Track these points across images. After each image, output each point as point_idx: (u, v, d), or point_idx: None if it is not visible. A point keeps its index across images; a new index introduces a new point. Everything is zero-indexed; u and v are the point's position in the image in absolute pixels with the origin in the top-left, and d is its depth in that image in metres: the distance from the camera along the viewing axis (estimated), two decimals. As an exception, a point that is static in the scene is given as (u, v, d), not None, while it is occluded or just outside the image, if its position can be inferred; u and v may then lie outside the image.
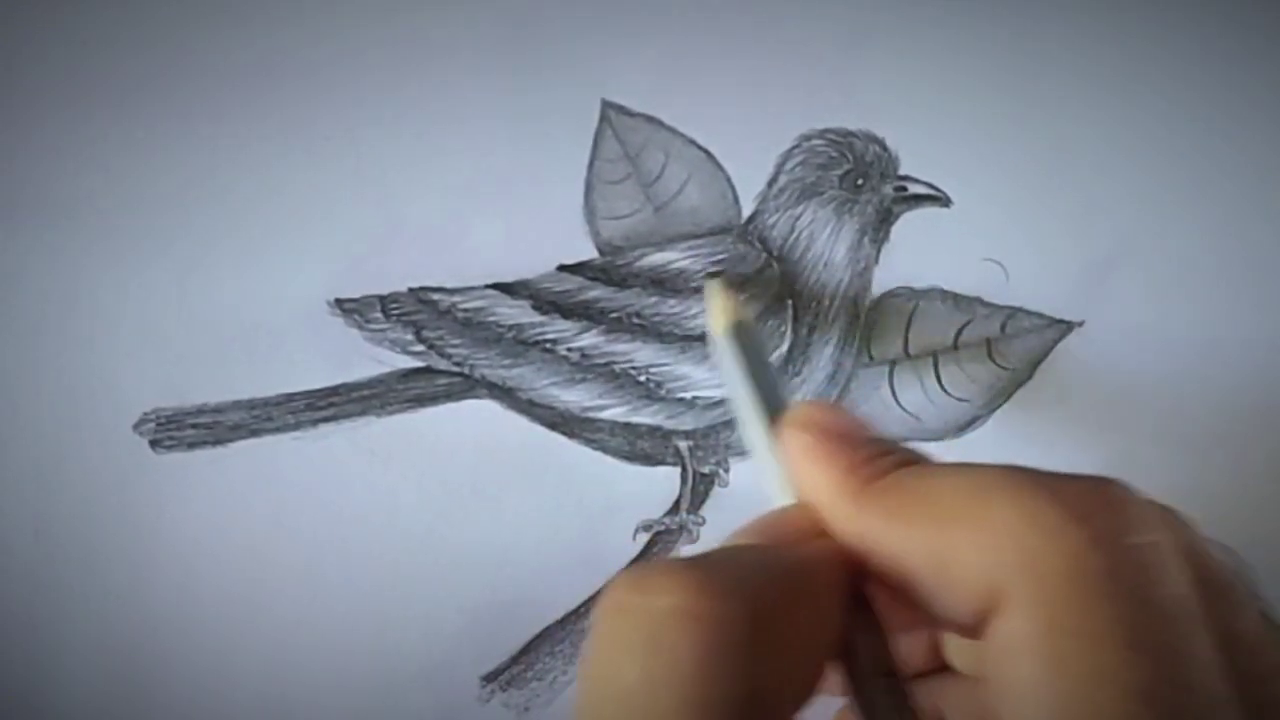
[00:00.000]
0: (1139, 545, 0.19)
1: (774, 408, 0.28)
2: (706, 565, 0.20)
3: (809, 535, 0.23)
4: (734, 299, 0.32)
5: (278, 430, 0.37)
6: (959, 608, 0.20)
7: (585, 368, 0.37)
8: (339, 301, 0.37)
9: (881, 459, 0.23)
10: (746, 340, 0.30)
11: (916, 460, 0.23)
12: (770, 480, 0.26)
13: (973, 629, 0.20)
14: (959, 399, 0.39)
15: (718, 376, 0.37)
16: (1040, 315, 0.38)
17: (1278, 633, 0.21)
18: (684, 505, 0.38)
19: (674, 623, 0.19)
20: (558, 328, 0.37)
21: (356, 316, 0.37)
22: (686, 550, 0.38)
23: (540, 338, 0.37)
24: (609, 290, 0.37)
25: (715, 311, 0.31)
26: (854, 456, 0.23)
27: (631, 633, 0.19)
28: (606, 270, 0.38)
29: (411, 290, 0.37)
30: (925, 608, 0.21)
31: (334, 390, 0.37)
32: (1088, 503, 0.19)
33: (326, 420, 0.37)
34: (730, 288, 0.33)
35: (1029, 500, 0.19)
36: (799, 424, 0.25)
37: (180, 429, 0.37)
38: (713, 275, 0.37)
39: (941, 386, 0.38)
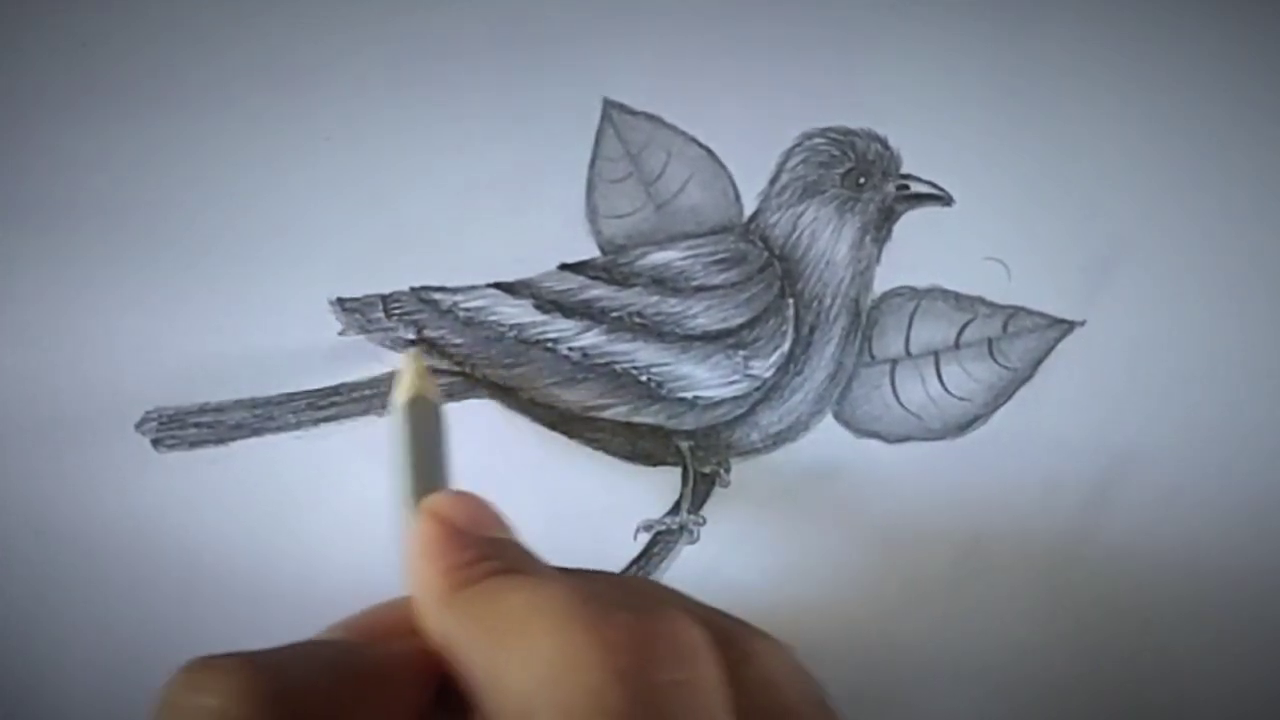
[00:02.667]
0: (667, 682, 0.19)
1: (423, 492, 0.27)
2: (264, 665, 0.20)
3: (402, 632, 0.23)
4: (425, 373, 0.31)
5: (279, 429, 0.37)
6: None
7: (586, 367, 0.37)
8: (340, 301, 0.37)
9: (480, 564, 0.22)
10: (422, 418, 0.29)
11: (516, 570, 0.23)
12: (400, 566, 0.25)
13: None
14: (960, 398, 0.39)
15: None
16: (1042, 314, 0.38)
17: None
18: (685, 505, 0.38)
19: None
20: (559, 327, 0.37)
21: (358, 316, 0.37)
22: (687, 551, 0.38)
23: (541, 337, 0.37)
24: (610, 289, 0.37)
25: (402, 381, 0.31)
26: (457, 557, 0.23)
27: None
28: (608, 269, 0.38)
29: (413, 289, 0.37)
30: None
31: (335, 390, 0.37)
32: (625, 635, 0.19)
33: (328, 419, 0.37)
34: (422, 361, 0.32)
35: (566, 628, 0.19)
36: (426, 513, 0.24)
37: (182, 428, 0.37)
38: (412, 343, 0.36)
39: (943, 386, 0.38)
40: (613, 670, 0.18)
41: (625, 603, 0.20)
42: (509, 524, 0.25)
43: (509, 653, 0.20)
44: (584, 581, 0.22)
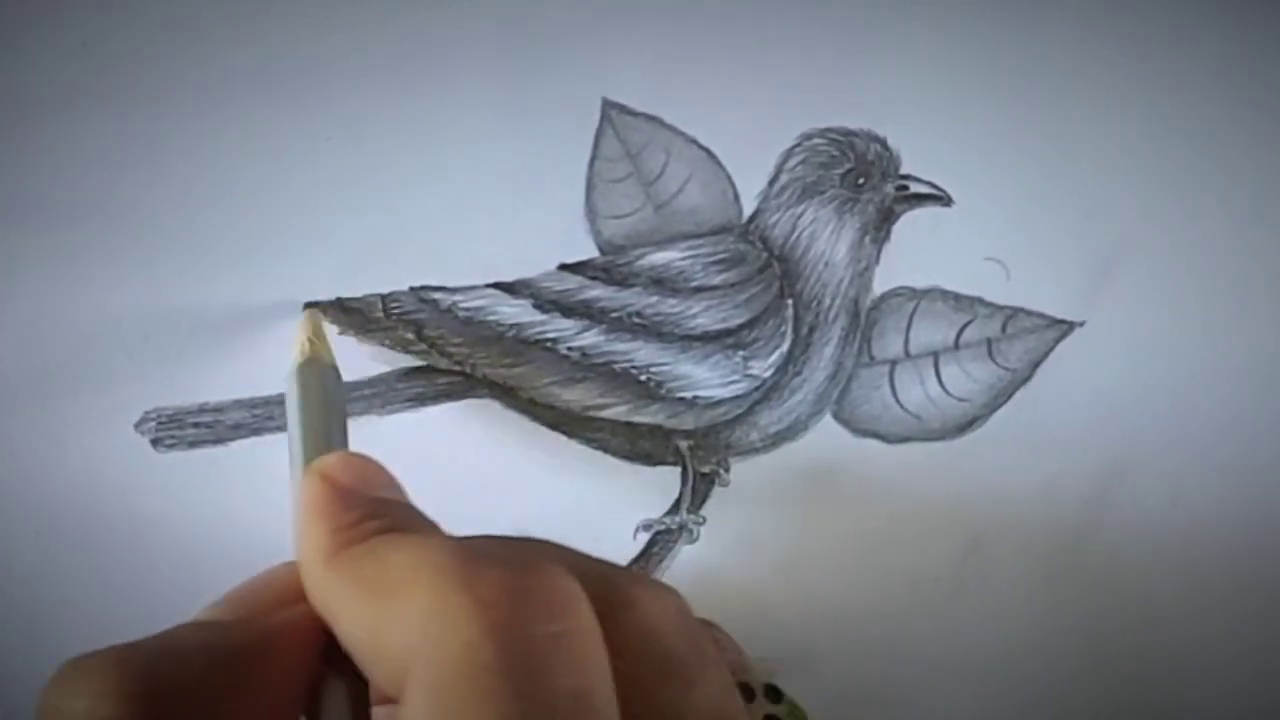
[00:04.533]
0: (541, 634, 0.18)
1: (315, 455, 0.26)
2: (132, 660, 0.20)
3: (286, 600, 0.22)
4: (321, 335, 0.31)
5: (279, 429, 0.37)
6: (384, 685, 0.20)
7: (586, 367, 0.37)
8: (340, 300, 0.37)
9: (366, 523, 0.22)
10: (316, 381, 0.29)
11: (401, 529, 0.22)
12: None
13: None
14: (959, 399, 0.39)
15: (718, 376, 0.37)
16: (1041, 315, 0.38)
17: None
18: (684, 505, 0.38)
19: None
20: (558, 327, 0.37)
21: (358, 315, 0.37)
22: (687, 551, 0.38)
23: (541, 337, 0.37)
24: (610, 289, 0.37)
25: (296, 342, 0.30)
26: (342, 517, 0.22)
27: None
28: (607, 269, 0.38)
29: (412, 289, 0.37)
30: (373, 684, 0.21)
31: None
32: (498, 589, 0.19)
33: (328, 419, 0.37)
34: (318, 323, 0.32)
35: (442, 584, 0.19)
36: (313, 474, 0.24)
37: (181, 428, 0.37)
38: (308, 305, 0.36)
39: (942, 386, 0.38)
40: (486, 625, 0.18)
41: (501, 558, 0.20)
42: (400, 484, 0.25)
43: (386, 610, 0.20)
44: (468, 541, 0.21)
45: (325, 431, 0.27)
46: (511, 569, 0.19)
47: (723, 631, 0.26)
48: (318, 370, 0.29)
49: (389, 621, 0.19)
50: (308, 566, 0.22)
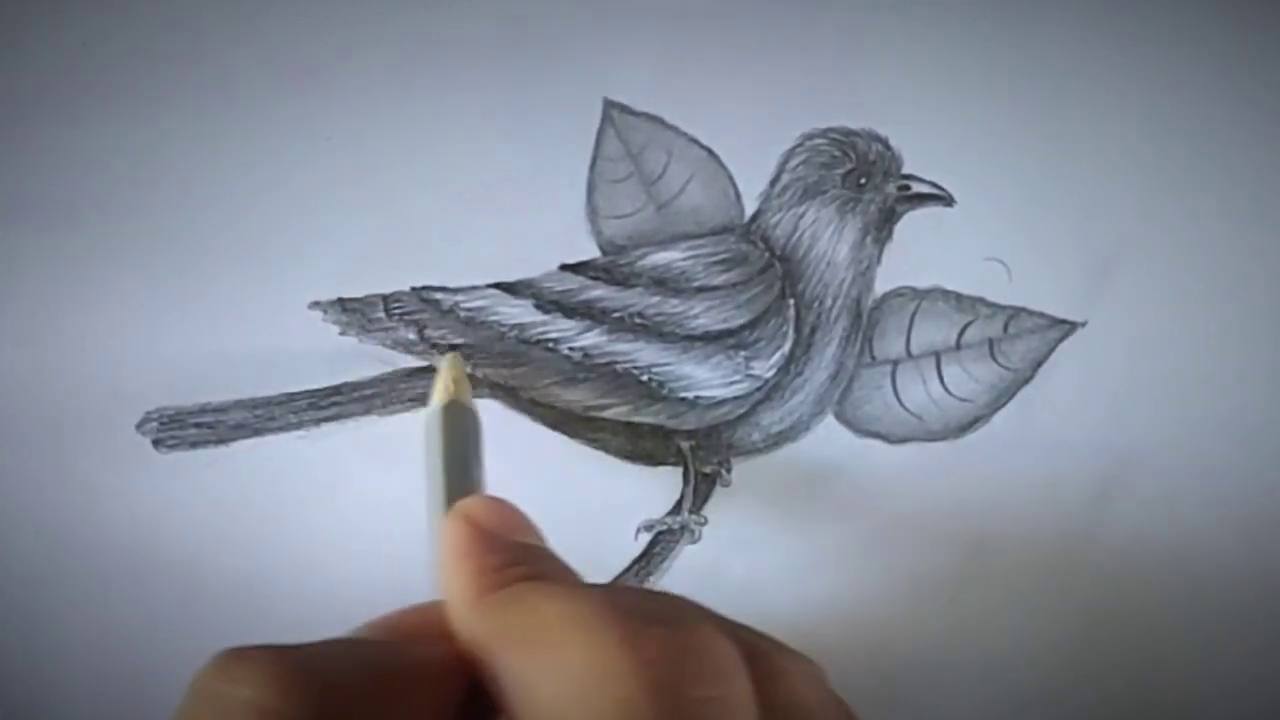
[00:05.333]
0: (699, 699, 0.19)
1: (455, 497, 0.27)
2: (298, 659, 0.20)
3: (435, 635, 0.23)
4: (463, 378, 0.31)
5: (280, 429, 0.37)
6: None
7: (587, 367, 0.37)
8: (341, 300, 0.37)
9: (510, 568, 0.23)
10: (458, 422, 0.29)
11: (547, 576, 0.23)
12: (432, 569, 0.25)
13: None
14: (961, 399, 0.39)
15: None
16: (1043, 315, 0.38)
17: None
18: (686, 505, 0.38)
19: (245, 714, 0.19)
20: (560, 327, 0.37)
21: (359, 316, 0.37)
22: (688, 551, 0.38)
23: (542, 337, 0.37)
24: (611, 290, 0.37)
25: (439, 385, 0.31)
26: (487, 560, 0.23)
27: (202, 717, 0.19)
28: (609, 270, 0.38)
29: (414, 289, 0.37)
30: None
31: (336, 389, 0.37)
32: (658, 648, 0.19)
33: (329, 420, 0.37)
34: (461, 366, 0.32)
35: (600, 639, 0.19)
36: (457, 516, 0.24)
37: (183, 428, 0.37)
38: (453, 348, 0.37)
39: (944, 386, 0.38)
40: (645, 683, 0.18)
41: (658, 616, 0.20)
42: (539, 530, 0.25)
43: (540, 660, 0.20)
44: (617, 593, 0.22)
45: (465, 474, 0.28)
46: (673, 629, 0.19)
47: (851, 709, 0.26)
48: (460, 412, 0.29)
49: (541, 671, 0.20)
50: (454, 607, 0.22)
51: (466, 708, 0.22)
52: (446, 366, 0.32)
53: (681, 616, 0.20)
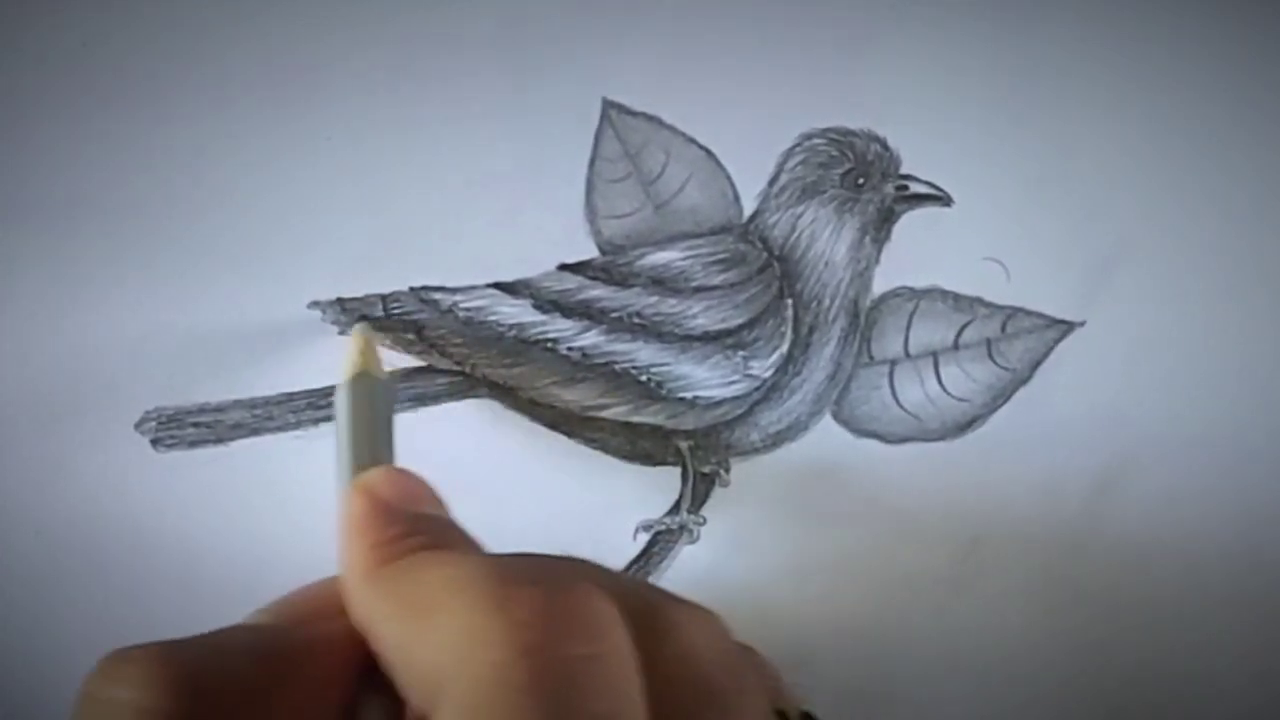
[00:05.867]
0: (573, 657, 0.18)
1: (362, 470, 0.26)
2: (178, 655, 0.20)
3: (329, 612, 0.22)
4: (372, 349, 0.31)
5: (279, 429, 0.37)
6: (417, 703, 0.20)
7: (586, 367, 0.37)
8: (341, 300, 0.37)
9: (406, 539, 0.22)
10: (366, 395, 0.29)
11: (440, 545, 0.22)
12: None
13: None
14: (959, 399, 0.39)
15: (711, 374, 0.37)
16: (1041, 315, 0.38)
17: None
18: (685, 505, 0.38)
19: (124, 716, 0.19)
20: (558, 327, 0.37)
21: (358, 315, 0.37)
22: (687, 551, 0.38)
23: (541, 337, 0.37)
24: (610, 289, 0.37)
25: (348, 356, 0.30)
26: (384, 533, 0.22)
27: None
28: (607, 269, 0.38)
29: (412, 289, 0.37)
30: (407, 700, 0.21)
31: (335, 390, 0.37)
32: (531, 610, 0.19)
33: (328, 419, 0.37)
34: (370, 337, 0.32)
35: (475, 603, 0.19)
36: (358, 489, 0.24)
37: (181, 428, 0.37)
38: (361, 319, 0.36)
39: (942, 386, 0.38)
40: (519, 646, 0.18)
41: (536, 578, 0.20)
42: (443, 500, 0.25)
43: (421, 628, 0.20)
44: (502, 559, 0.21)
45: (372, 446, 0.27)
46: (546, 590, 0.19)
47: (762, 657, 0.26)
48: (368, 385, 0.29)
49: (422, 639, 0.20)
50: (348, 581, 0.22)
51: (364, 686, 0.22)
52: (354, 337, 0.31)
53: (558, 576, 0.20)
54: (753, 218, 0.38)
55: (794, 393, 0.38)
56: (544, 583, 0.19)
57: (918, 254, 0.38)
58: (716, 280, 0.37)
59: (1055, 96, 0.38)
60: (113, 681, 0.20)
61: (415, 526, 0.23)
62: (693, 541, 0.38)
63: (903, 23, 0.38)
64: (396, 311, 0.37)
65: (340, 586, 0.23)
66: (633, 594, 0.21)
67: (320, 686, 0.21)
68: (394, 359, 0.37)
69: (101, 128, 0.37)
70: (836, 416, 0.38)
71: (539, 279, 0.37)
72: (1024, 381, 0.39)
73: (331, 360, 0.37)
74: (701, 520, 0.38)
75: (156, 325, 0.37)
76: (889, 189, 0.38)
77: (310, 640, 0.22)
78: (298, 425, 0.37)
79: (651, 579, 0.38)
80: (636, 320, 0.37)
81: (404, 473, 0.25)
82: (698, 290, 0.37)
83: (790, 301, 0.38)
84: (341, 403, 0.29)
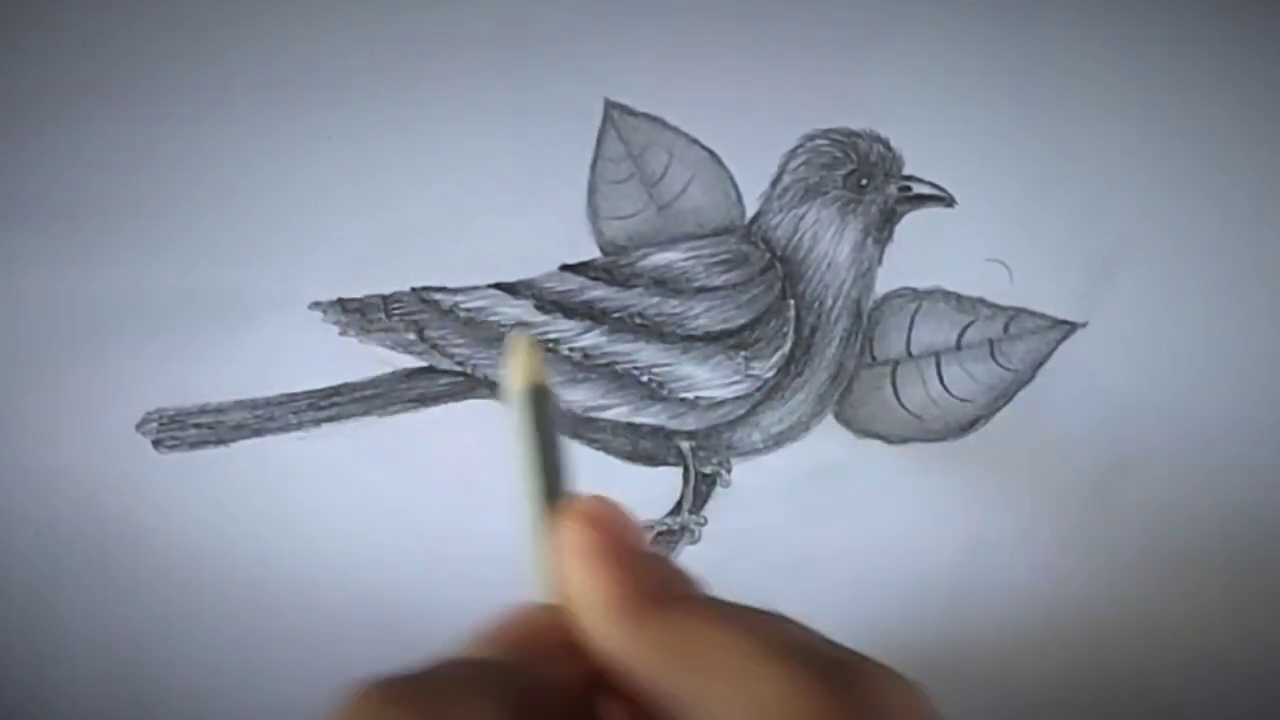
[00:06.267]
0: None
1: (554, 489, 0.26)
2: (443, 689, 0.20)
3: (557, 650, 0.22)
4: (539, 358, 0.30)
5: (280, 430, 0.37)
6: None
7: (588, 368, 0.37)
8: (341, 300, 0.37)
9: (666, 582, 0.22)
10: (542, 407, 0.28)
11: (694, 589, 0.23)
12: (533, 569, 0.25)
13: None
14: (961, 399, 0.39)
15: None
16: (1043, 316, 0.38)
17: None
18: (686, 505, 0.38)
19: None
20: (560, 327, 0.37)
21: (359, 316, 0.37)
22: (688, 551, 0.38)
23: (542, 337, 0.37)
24: (612, 290, 0.37)
25: (515, 368, 0.30)
26: (639, 572, 0.22)
27: None
28: (609, 270, 0.37)
29: (414, 290, 0.37)
30: None
31: (336, 390, 0.37)
32: (848, 693, 0.20)
33: (329, 420, 0.37)
34: (536, 346, 0.31)
35: (798, 667, 0.20)
36: (583, 518, 0.23)
37: (183, 429, 0.37)
38: (519, 326, 0.36)
39: (944, 387, 0.38)
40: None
41: (836, 659, 0.20)
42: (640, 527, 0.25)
43: (722, 686, 0.20)
44: (778, 624, 0.22)
45: (557, 465, 0.27)
46: (853, 672, 0.20)
47: None
48: (542, 396, 0.28)
49: (719, 699, 0.20)
50: (605, 619, 0.22)
51: None
52: (520, 345, 0.30)
53: (856, 659, 0.21)
54: (755, 218, 0.38)
55: (796, 393, 0.38)
56: (847, 665, 0.20)
57: (920, 255, 0.38)
58: (719, 281, 0.37)
59: (1055, 96, 0.38)
60: (376, 714, 0.20)
61: (665, 568, 0.23)
62: (694, 542, 0.38)
63: (904, 23, 0.38)
64: (398, 312, 0.37)
65: (562, 619, 0.23)
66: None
67: None
68: (395, 359, 0.37)
69: (101, 128, 0.37)
70: (838, 417, 0.38)
71: (541, 279, 0.37)
72: (1026, 382, 0.39)
73: (331, 360, 0.37)
74: (703, 521, 0.38)
75: (157, 325, 0.37)
76: (892, 190, 0.38)
77: (550, 680, 0.21)
78: (299, 426, 0.37)
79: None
80: (638, 321, 0.37)
81: (614, 503, 0.24)
82: (700, 291, 0.37)
83: (792, 302, 0.38)
84: (520, 417, 0.28)
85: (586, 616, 0.22)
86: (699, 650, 0.21)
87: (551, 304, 0.37)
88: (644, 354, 0.37)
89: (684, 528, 0.38)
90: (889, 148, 0.37)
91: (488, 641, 0.22)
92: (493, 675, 0.21)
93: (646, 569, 0.22)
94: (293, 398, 0.37)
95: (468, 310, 0.37)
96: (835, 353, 0.38)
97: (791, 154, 0.37)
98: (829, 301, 0.38)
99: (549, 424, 0.27)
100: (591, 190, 0.37)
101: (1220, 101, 0.39)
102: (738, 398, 0.38)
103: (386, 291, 0.37)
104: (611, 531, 0.23)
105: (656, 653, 0.21)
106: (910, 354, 0.39)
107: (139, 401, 0.37)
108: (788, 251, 0.38)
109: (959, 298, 0.38)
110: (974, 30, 0.38)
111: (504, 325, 0.37)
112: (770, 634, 0.21)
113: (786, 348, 0.38)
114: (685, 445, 0.38)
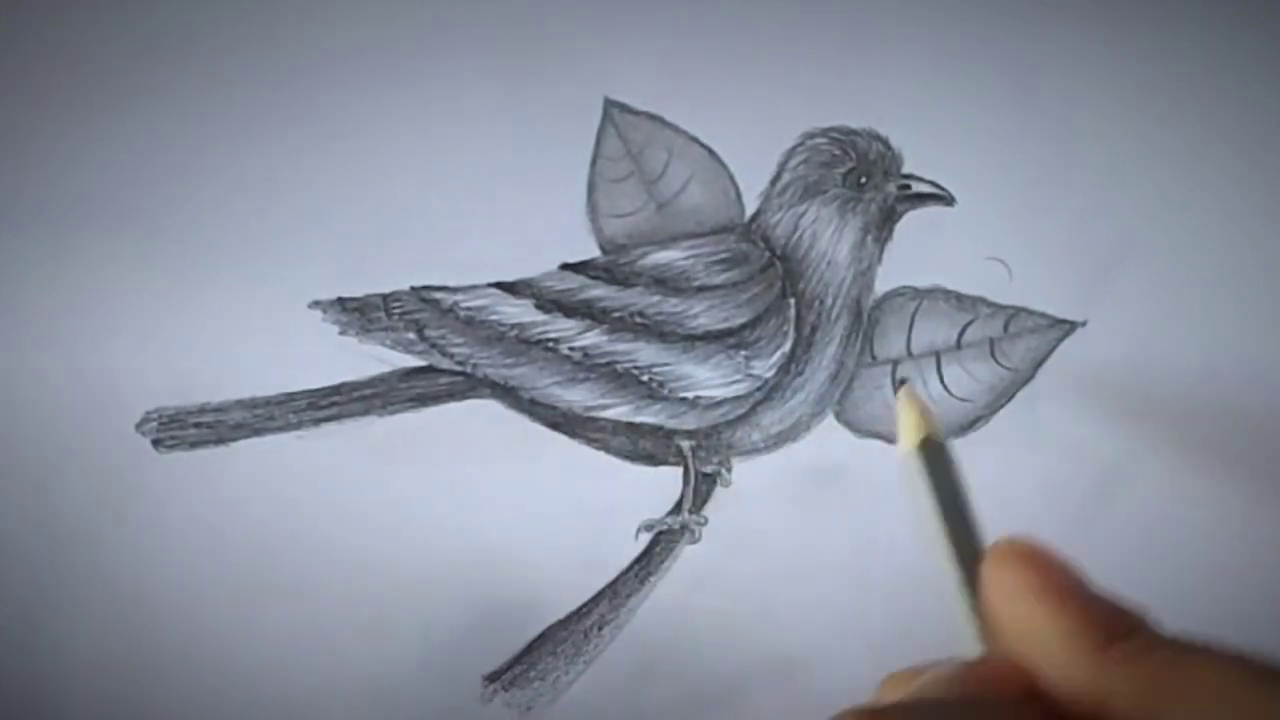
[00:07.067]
0: None
1: (968, 539, 0.26)
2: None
3: (1019, 695, 0.22)
4: (927, 411, 0.30)
5: (280, 429, 0.37)
6: None
7: (587, 367, 0.37)
8: (341, 300, 0.37)
9: (1121, 616, 0.22)
10: (939, 460, 0.28)
11: (1148, 622, 0.22)
12: (962, 623, 0.25)
13: None
14: (961, 399, 0.39)
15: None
16: (1043, 315, 0.38)
17: None
18: (686, 505, 0.38)
19: None
20: (560, 327, 0.37)
21: (359, 315, 0.37)
22: (689, 551, 0.38)
23: (542, 337, 0.37)
24: (611, 289, 0.37)
25: (906, 425, 0.29)
26: (1090, 609, 0.22)
27: None
28: (609, 269, 0.37)
29: (414, 289, 0.37)
30: None
31: (336, 389, 0.37)
32: None
33: (328, 419, 0.37)
34: (921, 398, 0.31)
35: None
36: (1014, 559, 0.23)
37: (183, 428, 0.37)
38: (903, 383, 0.37)
39: (944, 386, 0.38)
40: None
41: None
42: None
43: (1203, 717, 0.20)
44: (1254, 657, 0.21)
45: (965, 512, 0.26)
46: None
47: None
48: (940, 447, 0.28)
49: None
50: (1066, 660, 0.22)
51: None
52: (907, 400, 0.30)
53: None
54: (755, 217, 0.38)
55: (796, 392, 0.38)
56: None
57: (920, 253, 0.38)
58: (718, 280, 0.37)
59: (1055, 96, 0.38)
60: None
61: (1116, 603, 0.22)
62: (694, 541, 0.38)
63: (904, 23, 0.38)
64: (398, 311, 0.37)
65: (1010, 667, 0.22)
66: None
67: None
68: (395, 359, 0.37)
69: (101, 128, 0.37)
70: (839, 416, 0.38)
71: (541, 279, 0.37)
72: (1026, 381, 0.39)
73: (331, 360, 0.37)
74: (703, 520, 0.38)
75: (157, 325, 0.37)
76: (891, 188, 0.38)
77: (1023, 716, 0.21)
78: (299, 425, 0.37)
79: (653, 579, 0.38)
80: (638, 320, 0.37)
81: (1042, 542, 0.24)
82: (700, 290, 0.37)
83: (792, 301, 0.38)
84: (918, 475, 0.28)
85: (1047, 657, 0.22)
86: (1180, 680, 0.21)
87: (551, 303, 0.37)
88: (644, 353, 0.37)
89: (684, 527, 0.38)
90: (888, 146, 0.37)
91: (953, 683, 0.22)
92: (970, 714, 0.21)
93: (1100, 603, 0.22)
94: (293, 397, 0.37)
95: (468, 310, 0.37)
96: (835, 352, 0.38)
97: (791, 152, 0.37)
98: (829, 300, 0.38)
99: (951, 475, 0.27)
100: (591, 189, 0.37)
101: (1220, 101, 0.39)
102: (738, 397, 0.38)
103: (386, 291, 0.37)
104: (1052, 569, 0.23)
105: (1132, 685, 0.21)
106: (910, 353, 0.39)
107: (139, 401, 0.37)
108: (787, 250, 0.38)
109: (959, 297, 0.38)
110: (974, 30, 0.38)
111: (504, 325, 0.37)
112: (1254, 665, 0.20)
113: (786, 347, 0.38)
114: (685, 445, 0.38)
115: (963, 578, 0.25)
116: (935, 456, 0.27)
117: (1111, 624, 0.22)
